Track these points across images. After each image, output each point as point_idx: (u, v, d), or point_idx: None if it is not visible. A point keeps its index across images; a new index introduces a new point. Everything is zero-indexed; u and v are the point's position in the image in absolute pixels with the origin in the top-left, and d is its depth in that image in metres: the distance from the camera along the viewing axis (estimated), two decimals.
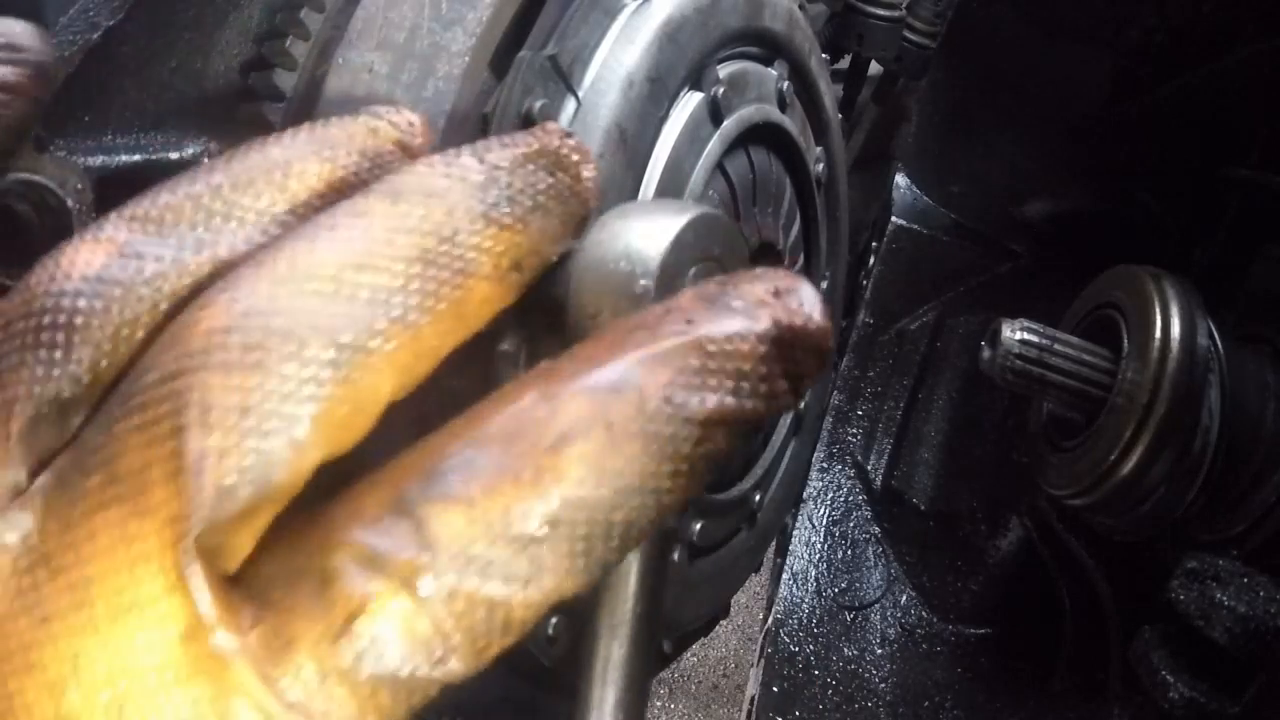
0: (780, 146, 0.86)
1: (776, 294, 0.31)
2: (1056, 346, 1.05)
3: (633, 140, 0.65)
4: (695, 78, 0.72)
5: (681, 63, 0.70)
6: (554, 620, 0.60)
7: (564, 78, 0.62)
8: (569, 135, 0.35)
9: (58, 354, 0.29)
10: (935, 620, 1.31)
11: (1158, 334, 1.00)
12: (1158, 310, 1.02)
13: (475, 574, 0.27)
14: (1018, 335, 1.05)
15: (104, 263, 0.30)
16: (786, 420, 0.97)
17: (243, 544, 0.28)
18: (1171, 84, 1.16)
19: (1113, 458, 1.01)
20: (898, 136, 1.68)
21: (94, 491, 0.27)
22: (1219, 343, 1.03)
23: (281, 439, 0.28)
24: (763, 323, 0.30)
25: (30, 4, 0.56)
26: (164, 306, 0.30)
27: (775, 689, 1.23)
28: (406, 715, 0.28)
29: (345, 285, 0.30)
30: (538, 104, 0.59)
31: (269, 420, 0.28)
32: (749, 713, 1.23)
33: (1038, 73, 1.27)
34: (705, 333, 0.30)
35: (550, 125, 0.35)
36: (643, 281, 0.35)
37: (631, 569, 0.37)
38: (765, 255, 0.85)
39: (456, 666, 0.28)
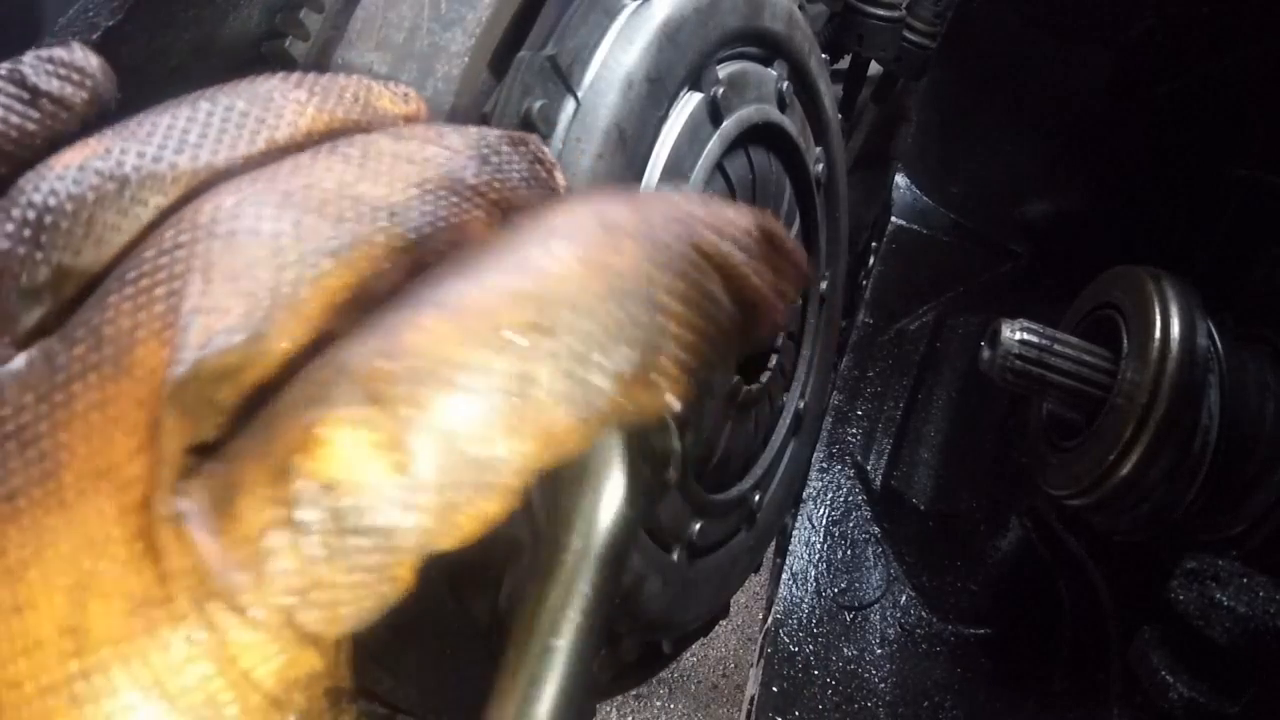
0: (780, 146, 0.86)
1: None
2: (1056, 346, 1.05)
3: (632, 141, 0.65)
4: (695, 78, 0.72)
5: (681, 63, 0.70)
6: None
7: (563, 78, 0.61)
8: (539, 141, 0.35)
9: (43, 238, 0.27)
10: (935, 620, 1.31)
11: (1158, 334, 1.00)
12: (1158, 310, 1.02)
13: (452, 392, 0.24)
14: (1018, 335, 1.05)
15: (86, 157, 0.29)
16: (786, 420, 0.97)
17: (224, 405, 0.26)
18: (1171, 84, 1.16)
19: (1112, 458, 1.01)
20: (898, 136, 1.68)
21: (77, 359, 0.26)
22: (1219, 343, 1.03)
23: (279, 301, 0.26)
24: (754, 218, 0.31)
25: (30, 4, 0.56)
26: (154, 200, 0.29)
27: (775, 689, 1.23)
28: (372, 602, 0.24)
29: (348, 196, 0.29)
30: (537, 104, 0.59)
31: (268, 289, 0.26)
32: (748, 713, 1.23)
33: (1038, 73, 1.27)
34: (703, 211, 0.30)
35: (525, 134, 0.35)
36: None
37: (598, 525, 0.32)
38: None
39: (427, 523, 0.24)
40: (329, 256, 0.27)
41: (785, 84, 0.85)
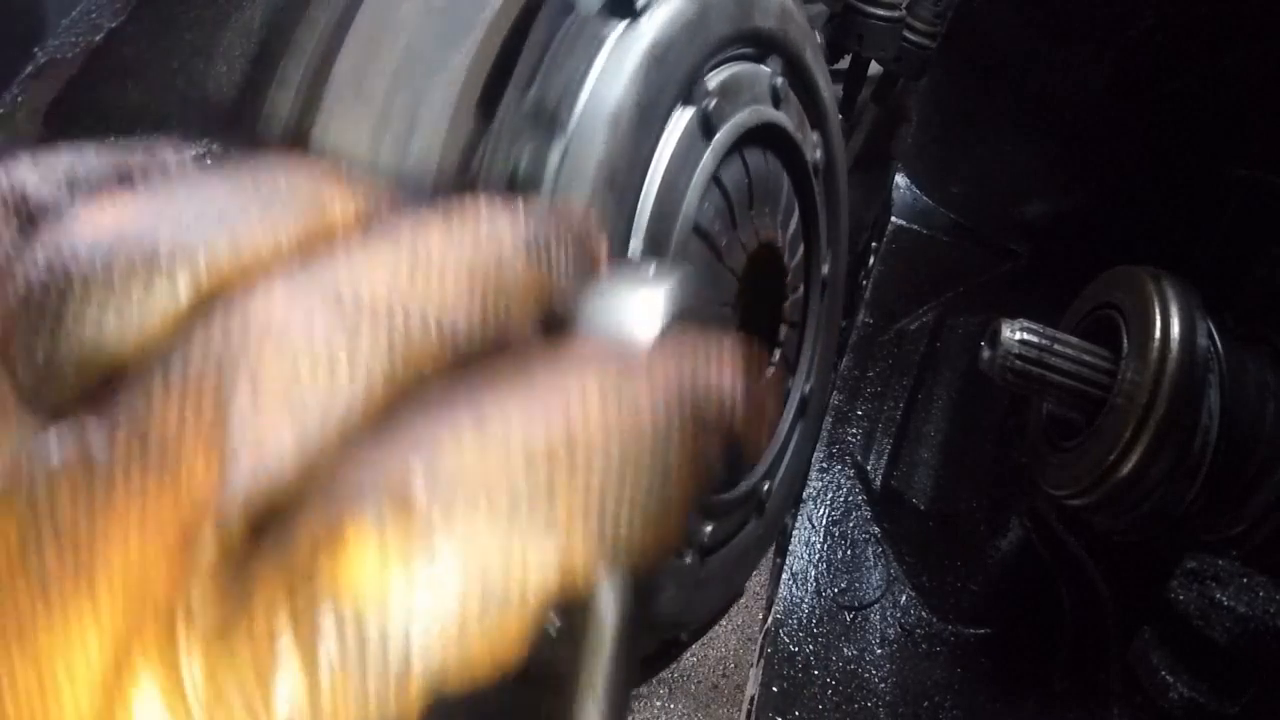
0: (776, 143, 0.86)
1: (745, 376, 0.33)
2: (1056, 346, 1.05)
3: (623, 177, 0.65)
4: (686, 93, 0.72)
5: (671, 83, 0.69)
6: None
7: (550, 120, 0.61)
8: (585, 213, 0.36)
9: (67, 308, 0.27)
10: (935, 620, 1.31)
11: (1158, 334, 1.00)
12: (1158, 310, 1.02)
13: (488, 515, 0.25)
14: (1017, 335, 1.05)
15: (115, 223, 0.28)
16: (793, 406, 0.98)
17: (257, 516, 0.26)
18: (1171, 84, 1.16)
19: (1112, 458, 1.01)
20: (898, 136, 1.68)
21: (118, 459, 0.25)
22: (1219, 343, 1.03)
23: (329, 425, 0.26)
24: (745, 381, 0.32)
25: (32, 5, 0.56)
26: (189, 280, 0.28)
27: (775, 689, 1.23)
28: None
29: (400, 301, 0.29)
30: (523, 161, 0.58)
31: (317, 402, 0.26)
32: (748, 713, 1.23)
33: (1038, 73, 1.27)
34: (710, 372, 0.31)
35: (572, 206, 0.37)
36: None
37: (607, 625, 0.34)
38: (765, 254, 0.85)
39: (446, 641, 0.25)
40: (381, 375, 0.27)
41: (779, 79, 0.85)
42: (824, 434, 1.38)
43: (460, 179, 0.58)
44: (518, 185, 0.60)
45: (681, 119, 0.71)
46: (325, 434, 0.26)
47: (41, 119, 0.49)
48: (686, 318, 0.37)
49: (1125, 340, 1.05)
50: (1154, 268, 1.07)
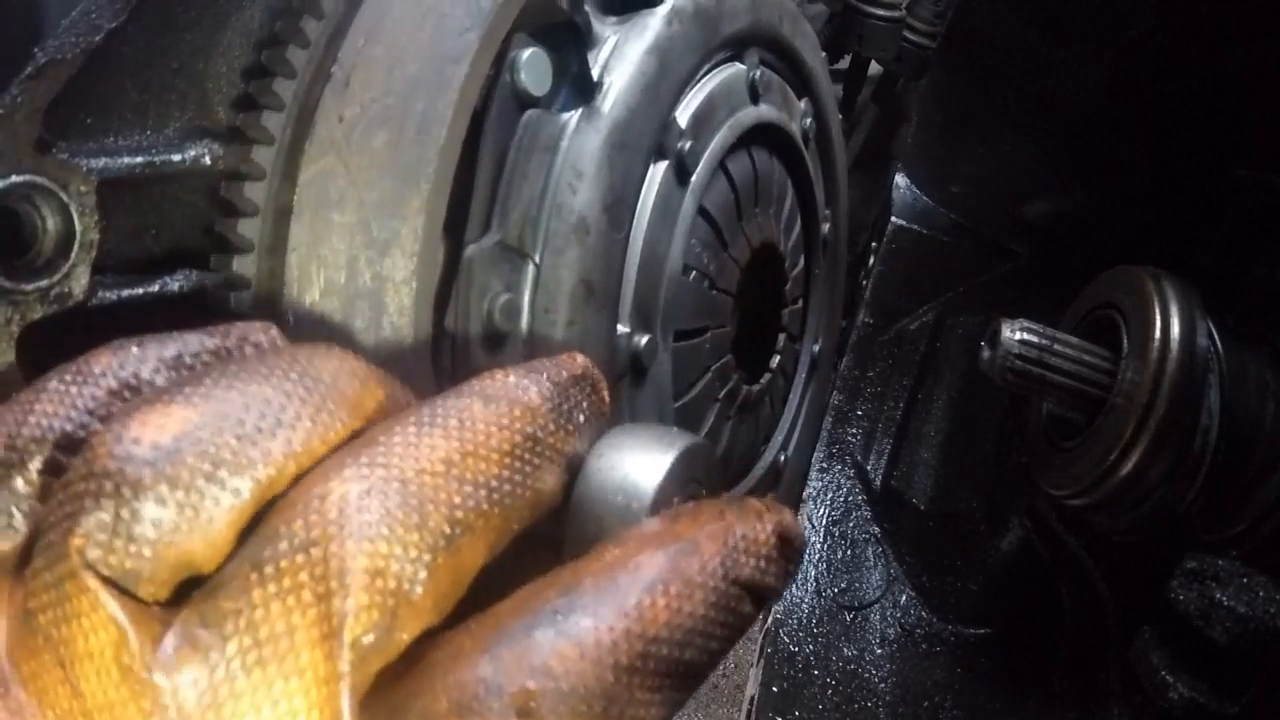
0: (760, 137, 0.85)
1: (771, 509, 0.39)
2: (1056, 346, 1.05)
3: (601, 278, 0.64)
4: (656, 149, 0.70)
5: (637, 159, 0.67)
6: None
7: (517, 252, 0.59)
8: (589, 363, 0.43)
9: (140, 527, 0.30)
10: (935, 620, 1.31)
11: (1158, 334, 1.00)
12: (1158, 310, 1.02)
13: (583, 705, 0.30)
14: (1017, 335, 1.05)
15: (176, 430, 0.31)
16: (804, 368, 0.98)
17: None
18: (1171, 84, 1.16)
19: (1112, 458, 1.01)
20: (898, 136, 1.68)
21: (236, 663, 0.29)
22: (1219, 343, 1.03)
23: (404, 602, 0.31)
24: (770, 524, 0.38)
25: (31, 5, 0.56)
26: (252, 482, 0.32)
27: (775, 689, 1.23)
28: None
29: (455, 468, 0.34)
30: (499, 302, 0.58)
31: (398, 584, 0.31)
32: (749, 713, 1.23)
33: (1038, 73, 1.27)
34: (736, 523, 0.37)
35: (576, 355, 0.43)
36: (636, 511, 0.41)
37: None
38: (765, 254, 0.85)
39: None
40: (445, 550, 0.32)
41: (757, 71, 0.83)
42: (824, 434, 1.38)
43: (439, 339, 0.57)
44: (495, 324, 0.59)
45: (656, 175, 0.70)
46: (405, 613, 0.31)
47: (41, 119, 0.49)
48: (695, 483, 0.43)
49: (1125, 340, 1.05)
50: (1154, 268, 1.07)
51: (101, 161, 0.53)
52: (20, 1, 0.57)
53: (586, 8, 0.66)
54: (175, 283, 0.57)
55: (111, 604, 0.29)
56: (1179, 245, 1.21)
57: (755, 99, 0.82)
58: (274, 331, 0.40)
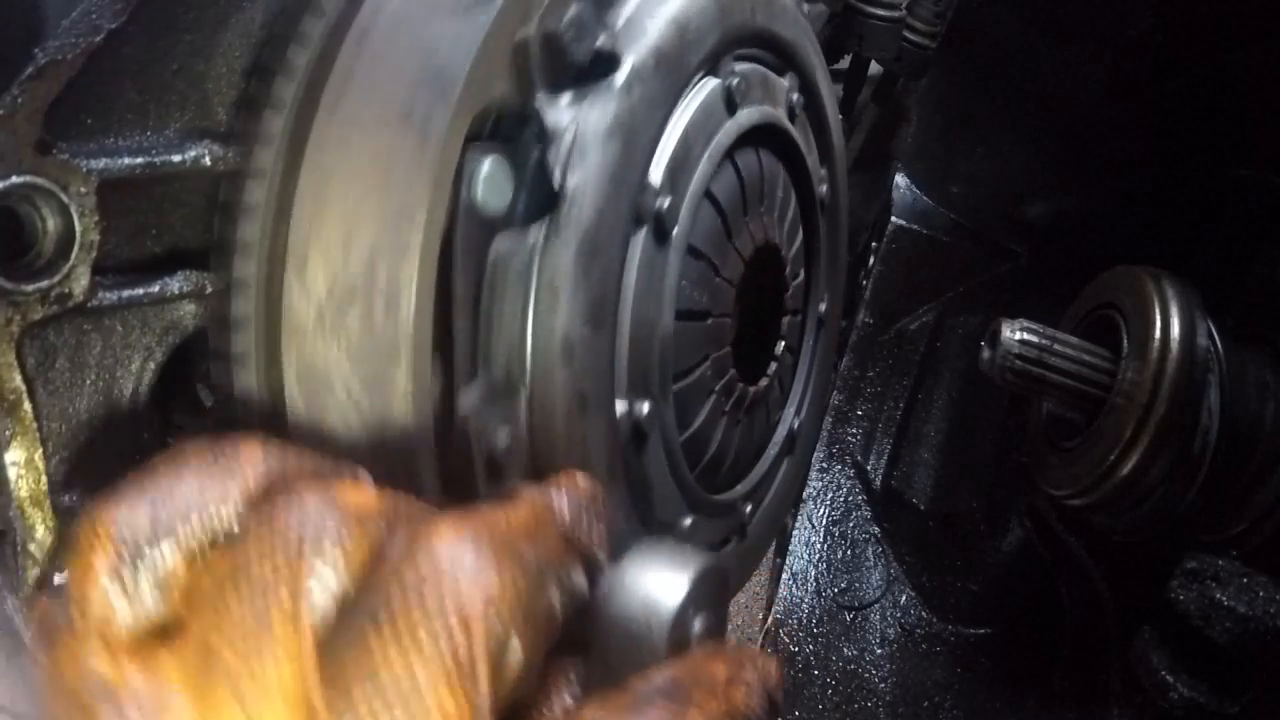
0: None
1: (757, 676, 0.43)
2: (1056, 346, 1.05)
3: (594, 388, 0.64)
4: (633, 219, 0.68)
5: (614, 254, 0.65)
6: None
7: (507, 390, 0.60)
8: (591, 483, 0.49)
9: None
10: (935, 620, 1.31)
11: (1158, 334, 1.00)
12: (1158, 310, 1.02)
13: None
14: (1018, 335, 1.05)
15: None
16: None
17: None
18: (1171, 84, 1.16)
19: (1112, 458, 1.01)
20: (898, 136, 1.68)
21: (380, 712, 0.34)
22: (1219, 343, 1.03)
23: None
24: (760, 681, 0.43)
25: (31, 5, 0.56)
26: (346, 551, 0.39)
27: None
28: None
29: (539, 536, 0.42)
30: (500, 444, 0.59)
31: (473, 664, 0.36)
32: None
33: (1038, 73, 1.27)
34: (731, 686, 0.42)
35: (580, 477, 0.48)
36: (658, 638, 0.45)
37: None
38: (767, 256, 0.85)
39: None
40: (487, 668, 0.37)
41: (733, 80, 0.80)
42: (824, 434, 1.38)
43: (444, 447, 0.58)
44: (498, 457, 0.59)
45: (636, 244, 0.68)
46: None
47: (42, 120, 0.49)
48: (708, 606, 0.48)
49: (1125, 340, 1.05)
50: (1154, 268, 1.07)
51: (102, 162, 0.53)
52: (21, 2, 0.57)
53: (538, 97, 0.61)
54: (175, 283, 0.57)
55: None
56: (1179, 245, 1.21)
57: (732, 109, 0.78)
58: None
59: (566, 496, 0.46)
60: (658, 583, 0.46)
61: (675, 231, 0.71)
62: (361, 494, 0.42)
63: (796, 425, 0.98)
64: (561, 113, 0.62)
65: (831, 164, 0.98)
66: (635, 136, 0.65)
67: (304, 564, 0.37)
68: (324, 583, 0.37)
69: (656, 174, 0.69)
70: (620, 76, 0.64)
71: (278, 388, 0.57)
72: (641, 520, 0.74)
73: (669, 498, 0.78)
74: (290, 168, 0.57)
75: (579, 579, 0.44)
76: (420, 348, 0.55)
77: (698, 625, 0.47)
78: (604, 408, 0.66)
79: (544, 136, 0.61)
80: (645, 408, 0.70)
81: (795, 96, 0.88)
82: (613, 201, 0.63)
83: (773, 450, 0.95)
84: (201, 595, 0.38)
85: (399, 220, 0.54)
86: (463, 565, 0.36)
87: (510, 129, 0.60)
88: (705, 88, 0.74)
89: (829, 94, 0.95)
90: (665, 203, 0.68)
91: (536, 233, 0.61)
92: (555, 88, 0.62)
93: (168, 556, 0.39)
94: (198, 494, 0.40)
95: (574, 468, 0.51)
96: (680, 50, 0.69)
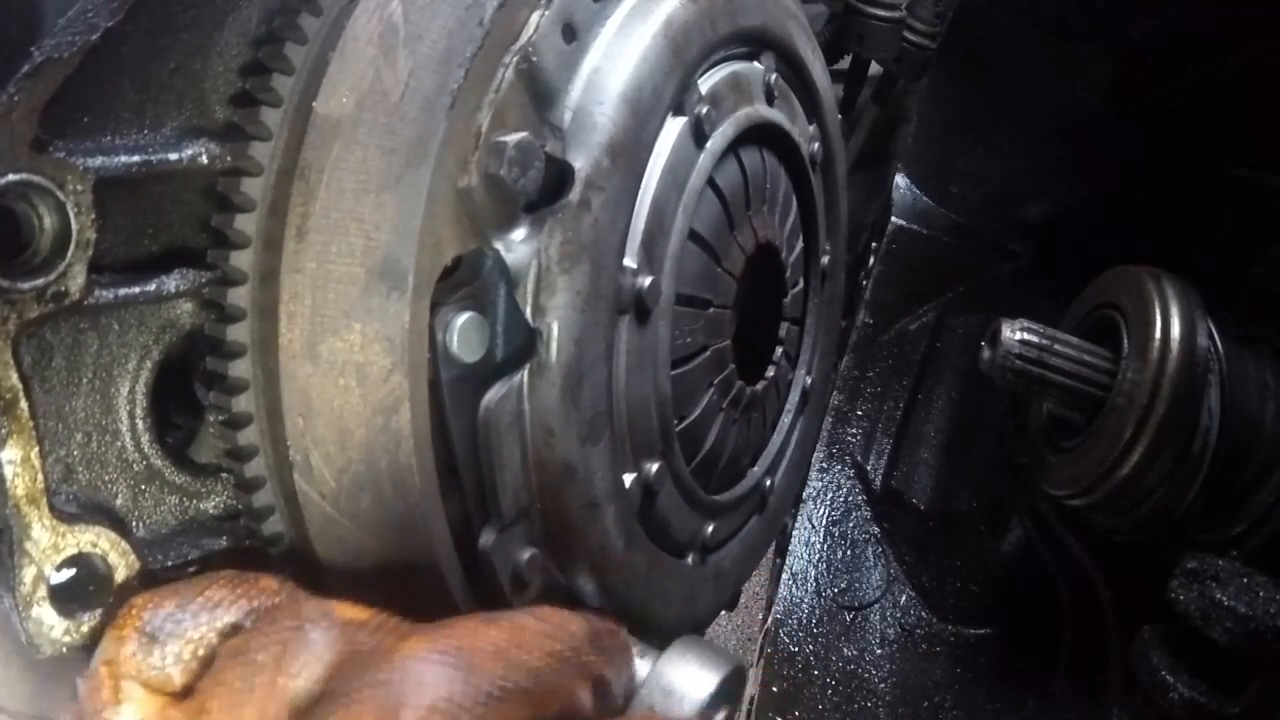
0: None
1: None
2: (1056, 346, 1.05)
3: (601, 488, 0.67)
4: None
5: (599, 379, 0.66)
6: None
7: (518, 520, 0.62)
8: (627, 636, 0.53)
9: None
10: (935, 620, 1.31)
11: (1158, 334, 1.00)
12: (1158, 310, 1.02)
13: None
14: (1018, 335, 1.05)
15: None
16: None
17: None
18: (1171, 84, 1.16)
19: (1112, 458, 1.01)
20: (898, 136, 1.68)
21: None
22: (1219, 343, 1.03)
23: None
24: None
25: (28, 4, 0.56)
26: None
27: (775, 689, 1.23)
28: None
29: (503, 653, 0.44)
30: (522, 561, 0.62)
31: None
32: (749, 713, 1.23)
33: (1038, 73, 1.27)
34: None
35: (618, 630, 0.53)
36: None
37: None
38: (764, 255, 0.85)
39: None
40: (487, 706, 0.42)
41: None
42: (824, 434, 1.38)
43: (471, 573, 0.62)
44: (521, 573, 0.63)
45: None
46: None
47: (38, 118, 0.49)
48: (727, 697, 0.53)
49: (1125, 340, 1.05)
50: (1154, 268, 1.07)
51: (98, 160, 0.52)
52: (18, 1, 0.57)
53: (493, 239, 0.59)
54: (172, 282, 0.57)
55: None
56: (1179, 245, 1.21)
57: (702, 142, 0.75)
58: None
59: (592, 621, 0.51)
60: (692, 675, 0.53)
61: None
62: (355, 610, 0.49)
63: (809, 383, 1.00)
64: (519, 249, 0.60)
65: (821, 118, 0.97)
66: (601, 248, 0.63)
67: (290, 650, 0.45)
68: (308, 670, 0.45)
69: (632, 257, 0.67)
70: (575, 193, 0.61)
71: (313, 566, 0.61)
72: (666, 549, 0.77)
73: (687, 523, 0.79)
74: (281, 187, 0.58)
75: (582, 692, 0.48)
76: (435, 516, 0.59)
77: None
78: (613, 496, 0.68)
79: (507, 276, 0.60)
80: (653, 468, 0.71)
81: (773, 77, 0.85)
82: (591, 327, 0.63)
83: (788, 415, 0.96)
84: (210, 669, 0.47)
85: (387, 418, 0.56)
86: (417, 672, 0.42)
87: (472, 269, 0.59)
88: (671, 134, 0.71)
89: (810, 51, 0.93)
90: (645, 282, 0.67)
91: (520, 379, 0.61)
92: (508, 225, 0.59)
93: (190, 633, 0.49)
94: (226, 595, 0.50)
95: (592, 559, 0.63)
96: (637, 128, 0.66)
